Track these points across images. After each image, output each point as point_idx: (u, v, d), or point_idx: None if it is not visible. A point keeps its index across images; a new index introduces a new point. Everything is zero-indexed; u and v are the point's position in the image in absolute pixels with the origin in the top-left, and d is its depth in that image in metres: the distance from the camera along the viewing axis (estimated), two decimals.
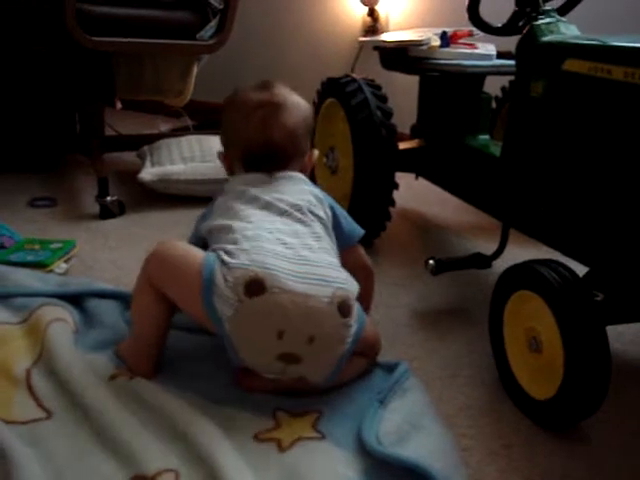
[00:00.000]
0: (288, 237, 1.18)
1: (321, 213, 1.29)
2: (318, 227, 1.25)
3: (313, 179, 2.05)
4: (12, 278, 1.47)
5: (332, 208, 1.34)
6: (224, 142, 1.40)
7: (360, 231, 1.39)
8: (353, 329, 1.16)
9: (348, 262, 1.28)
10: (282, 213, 1.24)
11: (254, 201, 1.26)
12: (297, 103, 1.36)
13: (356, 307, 1.17)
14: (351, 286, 1.18)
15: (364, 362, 1.26)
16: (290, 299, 1.08)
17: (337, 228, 1.31)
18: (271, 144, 1.31)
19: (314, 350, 1.11)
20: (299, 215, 1.24)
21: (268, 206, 1.25)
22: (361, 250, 1.41)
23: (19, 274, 1.51)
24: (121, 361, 1.21)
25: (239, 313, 1.08)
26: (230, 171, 1.41)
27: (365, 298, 1.35)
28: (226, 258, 1.11)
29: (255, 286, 1.08)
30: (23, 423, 1.06)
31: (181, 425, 1.05)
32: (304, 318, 1.09)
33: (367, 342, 1.24)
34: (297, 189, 1.31)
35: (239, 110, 1.35)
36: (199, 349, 1.28)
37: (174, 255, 1.19)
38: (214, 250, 1.16)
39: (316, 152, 1.44)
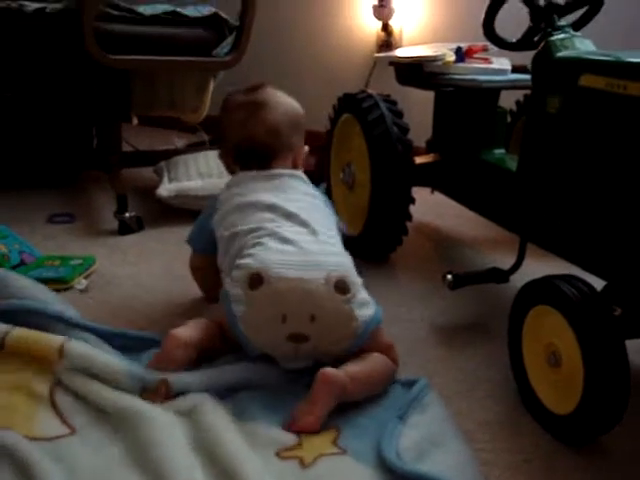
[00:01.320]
0: (290, 234, 1.31)
1: (321, 207, 1.44)
2: (318, 220, 1.37)
3: (329, 192, 2.07)
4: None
5: (327, 204, 1.49)
6: (220, 141, 1.55)
7: (344, 228, 1.52)
8: (363, 308, 1.26)
9: None
10: (286, 214, 1.35)
11: (259, 203, 1.38)
12: (280, 102, 1.50)
13: (367, 296, 1.29)
14: (347, 267, 1.30)
15: (390, 362, 1.29)
16: (286, 285, 1.22)
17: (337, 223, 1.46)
18: (253, 140, 1.46)
19: (319, 327, 1.23)
20: (301, 212, 1.36)
21: (273, 207, 1.37)
22: None
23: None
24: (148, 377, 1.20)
25: (248, 306, 1.23)
26: (229, 169, 1.55)
27: None
28: (239, 261, 1.28)
29: (255, 280, 1.22)
30: (47, 439, 1.06)
31: (206, 440, 1.05)
32: (301, 300, 1.22)
33: (381, 342, 1.30)
34: (298, 188, 1.44)
35: (228, 110, 1.52)
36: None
37: None
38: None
39: (306, 148, 1.55)
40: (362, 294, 1.28)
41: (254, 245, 1.29)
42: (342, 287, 1.24)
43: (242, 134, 1.47)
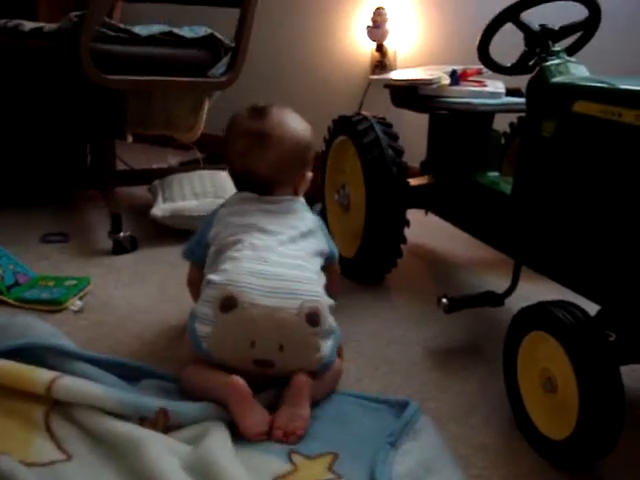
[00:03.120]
0: (272, 255, 1.30)
1: (313, 238, 1.41)
2: (303, 245, 1.37)
3: (323, 213, 2.07)
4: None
5: (321, 229, 1.46)
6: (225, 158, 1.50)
7: (337, 253, 1.51)
8: (327, 338, 1.27)
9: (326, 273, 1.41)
10: (271, 236, 1.35)
11: (250, 224, 1.36)
12: (286, 134, 1.41)
13: (333, 323, 1.29)
14: (321, 299, 1.29)
15: (340, 365, 1.36)
16: (259, 312, 1.21)
17: (323, 249, 1.43)
18: (250, 173, 1.42)
19: (286, 356, 1.24)
20: (288, 235, 1.36)
21: (259, 228, 1.35)
22: (336, 264, 1.53)
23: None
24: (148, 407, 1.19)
25: (216, 328, 1.23)
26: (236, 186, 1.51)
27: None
28: (211, 277, 1.27)
29: (228, 302, 1.22)
30: (43, 465, 1.05)
31: (203, 466, 1.05)
32: (272, 328, 1.22)
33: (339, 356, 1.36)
34: (293, 213, 1.42)
35: (231, 134, 1.45)
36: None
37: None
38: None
39: (310, 174, 1.50)
40: (329, 322, 1.28)
41: (228, 259, 1.29)
42: (313, 319, 1.24)
43: (242, 166, 1.43)
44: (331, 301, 1.32)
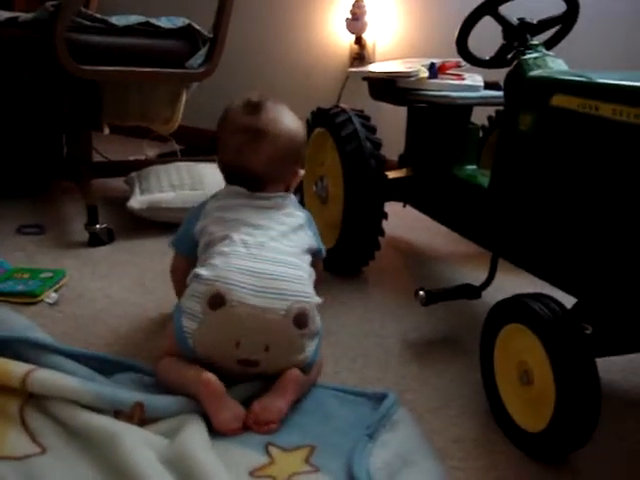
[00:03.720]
0: (262, 251, 1.28)
1: (302, 233, 1.40)
2: (295, 241, 1.36)
3: (302, 204, 2.06)
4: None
5: (310, 226, 1.45)
6: (217, 153, 1.48)
7: (324, 250, 1.50)
8: (313, 340, 1.27)
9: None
10: (260, 232, 1.33)
11: (240, 219, 1.35)
12: (282, 131, 1.40)
13: (319, 323, 1.29)
14: (310, 299, 1.28)
15: (321, 364, 1.36)
16: (247, 312, 1.20)
17: (312, 245, 1.42)
18: (245, 170, 1.40)
19: (271, 357, 1.23)
20: (279, 230, 1.35)
21: (248, 224, 1.34)
22: (321, 262, 1.52)
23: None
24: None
25: (202, 324, 1.21)
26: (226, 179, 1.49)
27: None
28: (199, 271, 1.26)
29: (216, 300, 1.20)
30: (17, 458, 1.04)
31: (179, 459, 1.04)
32: (259, 329, 1.21)
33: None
34: (286, 210, 1.41)
35: (225, 129, 1.43)
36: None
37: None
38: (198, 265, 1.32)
39: (302, 172, 1.48)
40: (315, 323, 1.28)
41: (218, 255, 1.27)
42: (300, 321, 1.23)
43: (236, 160, 1.40)
44: (319, 300, 1.30)
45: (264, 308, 1.21)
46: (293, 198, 1.47)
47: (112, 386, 1.23)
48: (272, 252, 1.29)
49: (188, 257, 1.46)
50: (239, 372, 1.25)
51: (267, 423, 1.17)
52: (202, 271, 1.25)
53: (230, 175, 1.45)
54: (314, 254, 1.42)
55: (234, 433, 1.16)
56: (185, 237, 1.46)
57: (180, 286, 1.56)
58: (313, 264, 1.40)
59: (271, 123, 1.39)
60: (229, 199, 1.41)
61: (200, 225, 1.40)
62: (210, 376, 1.18)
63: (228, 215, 1.36)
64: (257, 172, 1.39)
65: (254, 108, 1.40)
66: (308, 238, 1.41)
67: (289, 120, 1.43)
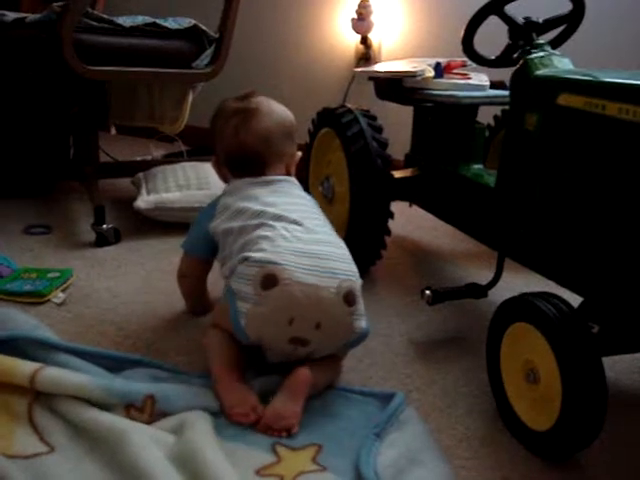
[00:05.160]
0: (303, 233, 1.31)
1: (317, 211, 1.45)
2: (323, 223, 1.40)
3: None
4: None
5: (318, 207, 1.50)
6: (214, 149, 1.53)
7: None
8: (360, 320, 1.29)
9: None
10: (290, 211, 1.36)
11: (264, 205, 1.37)
12: (272, 110, 1.50)
13: (363, 307, 1.30)
14: (357, 278, 1.30)
15: (340, 364, 1.38)
16: (300, 289, 1.21)
17: None
18: (244, 148, 1.46)
19: (321, 335, 1.25)
20: (305, 212, 1.38)
21: (280, 208, 1.36)
22: None
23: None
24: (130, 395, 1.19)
25: (256, 305, 1.22)
26: (223, 178, 1.54)
27: None
28: (247, 254, 1.26)
29: (269, 280, 1.21)
30: (25, 457, 1.05)
31: (187, 457, 1.05)
32: (312, 306, 1.22)
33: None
34: (293, 193, 1.46)
35: (220, 118, 1.51)
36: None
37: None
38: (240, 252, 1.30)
39: (299, 154, 1.55)
40: (361, 304, 1.30)
41: (263, 239, 1.28)
42: (350, 299, 1.25)
43: (234, 142, 1.46)
44: (361, 281, 1.33)
45: (317, 286, 1.22)
46: (296, 181, 1.51)
47: (122, 381, 1.24)
48: (312, 233, 1.32)
49: (203, 260, 1.47)
50: (289, 352, 1.27)
51: (283, 429, 1.17)
52: (252, 254, 1.26)
53: (232, 162, 1.49)
54: None
55: (240, 418, 1.18)
56: (199, 238, 1.47)
57: (190, 293, 1.58)
58: None
59: (262, 104, 1.49)
60: (241, 190, 1.44)
61: (216, 223, 1.41)
62: (226, 361, 1.25)
63: (246, 206, 1.38)
64: (256, 151, 1.45)
65: (244, 96, 1.50)
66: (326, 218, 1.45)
67: (278, 104, 1.53)
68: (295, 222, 1.33)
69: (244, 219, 1.36)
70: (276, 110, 1.50)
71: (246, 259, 1.26)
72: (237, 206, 1.39)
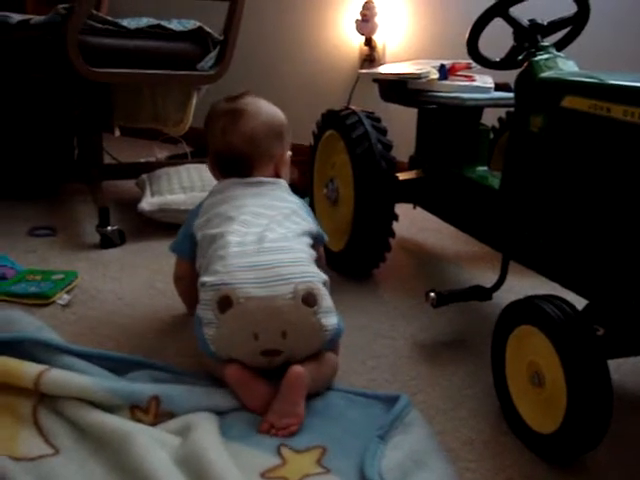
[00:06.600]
0: (257, 244, 1.30)
1: (298, 218, 1.42)
2: (289, 227, 1.37)
3: (311, 206, 2.07)
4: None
5: (305, 210, 1.49)
6: (207, 150, 1.55)
7: (324, 236, 1.53)
8: (328, 317, 1.28)
9: None
10: (257, 216, 1.37)
11: (237, 209, 1.38)
12: (260, 110, 1.50)
13: (330, 303, 1.30)
14: (314, 277, 1.29)
15: (337, 360, 1.37)
16: (255, 304, 1.22)
17: (311, 230, 1.44)
18: (231, 148, 1.47)
19: (290, 342, 1.25)
20: (273, 218, 1.37)
21: (246, 216, 1.37)
22: (322, 248, 1.56)
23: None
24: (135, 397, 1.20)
25: (219, 329, 1.24)
26: (216, 178, 1.55)
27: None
28: (203, 279, 1.28)
29: (224, 302, 1.23)
30: (30, 459, 1.05)
31: (192, 459, 1.05)
32: (271, 317, 1.23)
33: (336, 345, 1.38)
34: (277, 195, 1.45)
35: (210, 120, 1.53)
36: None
37: None
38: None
39: (289, 154, 1.55)
40: (326, 301, 1.29)
41: (217, 259, 1.29)
42: (310, 300, 1.25)
43: (221, 143, 1.48)
44: (325, 276, 1.33)
45: (271, 297, 1.23)
46: (284, 183, 1.51)
47: (126, 382, 1.24)
48: (268, 242, 1.31)
49: (189, 262, 1.46)
50: (266, 364, 1.27)
51: (285, 428, 1.18)
52: (206, 278, 1.28)
53: (220, 161, 1.50)
54: (315, 238, 1.44)
55: (261, 411, 1.22)
56: (184, 239, 1.48)
57: (187, 295, 1.58)
58: (314, 248, 1.41)
59: (250, 104, 1.50)
60: (222, 192, 1.45)
61: (197, 223, 1.43)
62: (232, 367, 1.24)
63: (224, 209, 1.39)
64: (242, 151, 1.46)
65: (235, 97, 1.52)
66: (305, 222, 1.43)
67: (268, 105, 1.54)
68: (257, 230, 1.33)
69: (213, 226, 1.37)
70: (265, 111, 1.51)
71: (203, 284, 1.28)
72: (215, 211, 1.41)
